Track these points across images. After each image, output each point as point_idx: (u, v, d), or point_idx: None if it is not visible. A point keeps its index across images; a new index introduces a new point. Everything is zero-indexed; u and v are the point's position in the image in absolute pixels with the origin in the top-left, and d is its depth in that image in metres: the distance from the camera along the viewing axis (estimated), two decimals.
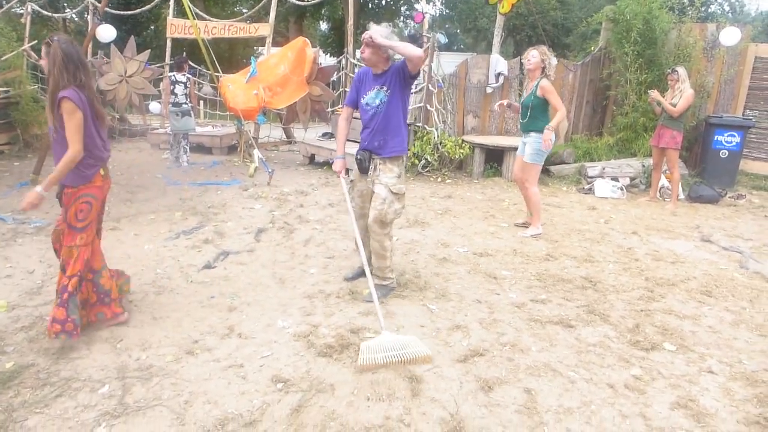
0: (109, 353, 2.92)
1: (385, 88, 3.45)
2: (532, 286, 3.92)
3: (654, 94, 6.44)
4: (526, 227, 5.30)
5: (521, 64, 8.57)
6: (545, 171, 7.84)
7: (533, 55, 4.91)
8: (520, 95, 8.44)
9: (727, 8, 22.04)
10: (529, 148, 5.08)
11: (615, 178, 7.19)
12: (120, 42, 10.64)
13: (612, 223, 5.71)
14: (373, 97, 3.49)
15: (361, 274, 3.92)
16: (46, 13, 11.88)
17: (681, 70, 6.36)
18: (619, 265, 4.41)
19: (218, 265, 4.23)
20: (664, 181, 6.91)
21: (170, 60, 10.95)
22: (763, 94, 8.21)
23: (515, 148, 7.38)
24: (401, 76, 3.42)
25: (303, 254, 4.51)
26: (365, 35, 3.29)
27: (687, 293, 3.89)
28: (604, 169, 7.30)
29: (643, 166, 7.37)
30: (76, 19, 17.14)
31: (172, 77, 8.21)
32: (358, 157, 3.57)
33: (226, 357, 2.90)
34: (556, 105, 4.89)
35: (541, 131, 4.93)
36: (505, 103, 5.47)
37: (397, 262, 4.28)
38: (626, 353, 3.01)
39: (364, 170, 3.59)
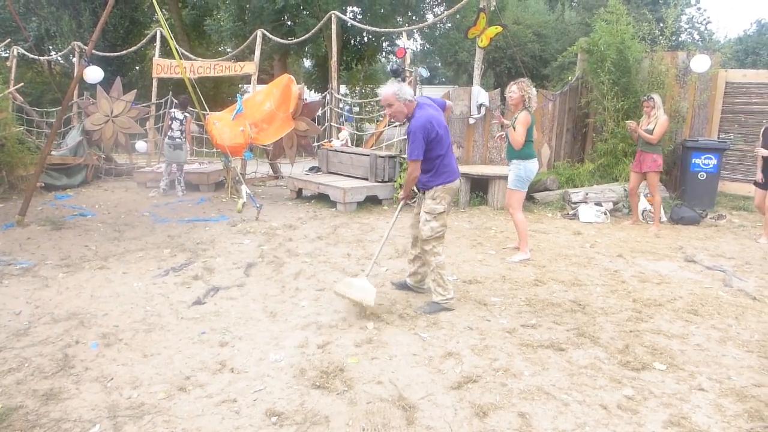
0: (99, 392, 2.88)
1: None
2: (522, 311, 3.96)
3: (632, 125, 6.63)
4: (518, 249, 5.42)
5: (502, 95, 8.81)
6: (530, 198, 7.97)
7: (513, 90, 5.16)
8: (501, 125, 8.63)
9: (696, 37, 22.89)
10: (511, 174, 5.31)
11: (598, 203, 7.33)
12: (106, 83, 10.76)
13: (597, 247, 5.81)
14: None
15: (404, 286, 4.40)
16: (31, 56, 11.99)
17: (656, 97, 6.58)
18: (607, 288, 4.48)
19: (208, 300, 4.21)
20: (646, 204, 7.06)
21: (156, 99, 11.10)
22: (735, 117, 8.51)
23: (500, 177, 7.56)
24: None
25: (293, 287, 4.51)
26: (381, 98, 3.87)
27: (674, 313, 3.95)
28: (587, 194, 7.44)
29: (625, 190, 7.52)
30: (62, 61, 17.27)
31: (172, 113, 8.94)
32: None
33: (219, 392, 2.88)
34: (518, 134, 5.11)
35: (522, 158, 5.18)
36: (504, 123, 5.64)
37: (387, 292, 4.30)
38: (617, 374, 3.03)
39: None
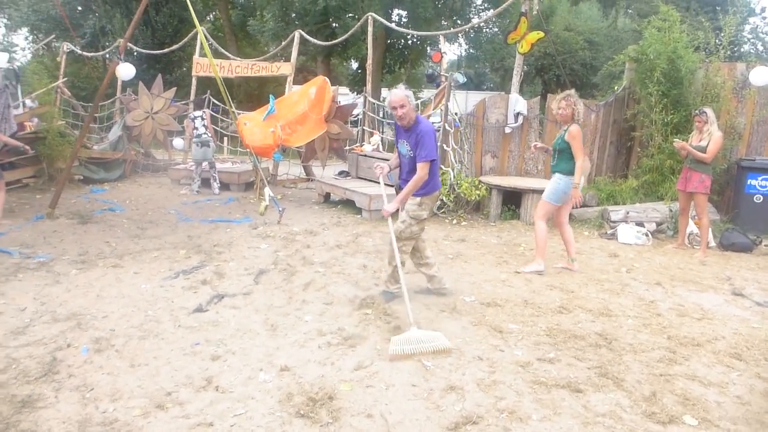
0: (76, 404, 2.74)
1: (408, 148, 4.05)
2: (540, 342, 3.62)
3: (678, 144, 6.13)
4: (570, 269, 5.25)
5: (542, 103, 8.41)
6: None
7: (563, 106, 5.01)
8: (539, 134, 8.25)
9: (760, 48, 21.55)
10: (550, 185, 5.14)
11: (640, 223, 6.83)
12: (152, 80, 10.95)
13: (634, 272, 5.36)
14: (404, 148, 4.12)
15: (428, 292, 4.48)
16: (79, 52, 12.34)
17: (709, 112, 6.06)
18: (639, 321, 4.07)
19: (210, 308, 4.06)
20: (693, 227, 6.52)
21: (194, 98, 11.21)
22: None
23: (534, 190, 7.17)
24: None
25: (301, 299, 4.30)
26: (391, 98, 3.95)
27: (714, 355, 3.52)
28: (628, 213, 6.95)
29: (671, 210, 6.99)
30: (113, 58, 17.83)
31: (191, 115, 9.08)
32: (400, 185, 4.26)
33: (197, 413, 2.69)
34: (576, 152, 4.94)
35: (565, 173, 5.00)
36: (539, 145, 5.57)
37: (395, 310, 4.05)
38: (639, 427, 2.67)
39: None
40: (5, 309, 3.96)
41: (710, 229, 6.32)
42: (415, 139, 3.94)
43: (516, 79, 7.98)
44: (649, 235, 6.63)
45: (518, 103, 7.84)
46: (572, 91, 5.06)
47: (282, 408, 2.74)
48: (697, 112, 6.21)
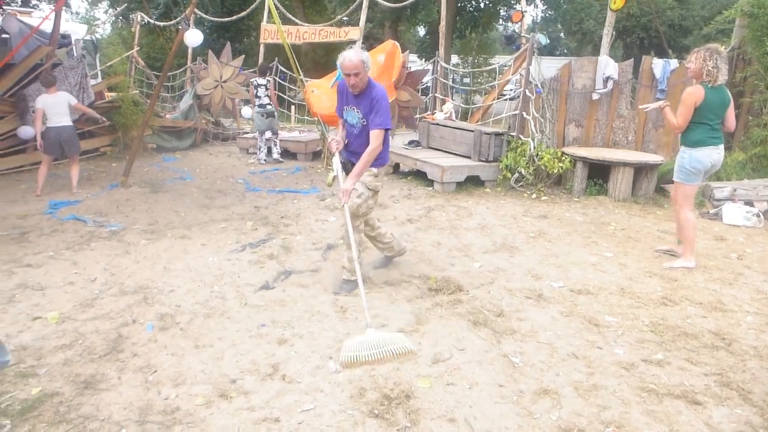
0: (138, 387, 2.60)
1: (360, 116, 3.60)
2: (644, 339, 3.15)
3: None
4: (672, 255, 4.59)
5: (635, 67, 7.57)
6: (660, 190, 6.81)
7: (691, 60, 4.12)
8: (631, 102, 7.46)
9: None
10: (676, 163, 4.36)
11: (749, 202, 6.03)
12: (220, 48, 10.93)
13: (747, 259, 4.68)
14: (353, 116, 3.64)
15: (387, 261, 4.27)
16: (153, 22, 12.50)
17: None
18: (761, 318, 3.48)
19: (277, 285, 3.85)
20: None
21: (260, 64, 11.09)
22: None
23: (625, 163, 6.48)
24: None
25: (370, 279, 4.02)
26: (345, 64, 3.40)
27: None
28: (735, 190, 6.15)
29: None
30: (186, 24, 18.09)
31: (255, 81, 8.82)
32: (342, 161, 3.79)
33: (263, 405, 2.47)
34: (677, 115, 4.15)
35: (689, 145, 4.22)
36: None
37: (476, 295, 3.68)
38: None
39: (347, 172, 3.77)
40: (77, 279, 3.94)
41: None
42: (370, 104, 3.50)
43: (606, 40, 7.22)
44: (761, 216, 5.83)
45: (608, 66, 7.07)
46: (716, 46, 4.13)
47: (354, 405, 2.47)
48: None
